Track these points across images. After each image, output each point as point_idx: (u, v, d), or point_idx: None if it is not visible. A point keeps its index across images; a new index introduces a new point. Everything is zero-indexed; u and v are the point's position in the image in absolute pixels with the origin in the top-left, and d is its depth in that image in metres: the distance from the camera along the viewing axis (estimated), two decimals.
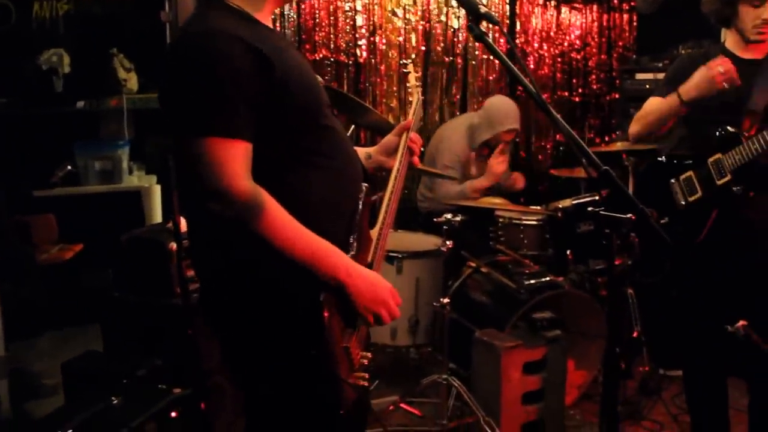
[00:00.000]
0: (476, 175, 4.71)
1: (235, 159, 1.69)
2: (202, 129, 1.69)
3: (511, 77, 5.73)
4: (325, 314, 1.74)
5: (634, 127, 3.31)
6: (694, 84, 3.00)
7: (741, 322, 1.73)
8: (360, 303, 1.83)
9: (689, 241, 3.10)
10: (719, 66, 2.92)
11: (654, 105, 3.22)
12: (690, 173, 3.15)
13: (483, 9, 1.81)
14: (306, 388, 1.86)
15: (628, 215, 1.59)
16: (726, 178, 3.01)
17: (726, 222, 3.05)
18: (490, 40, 1.78)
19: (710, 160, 3.06)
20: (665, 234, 1.61)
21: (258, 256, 1.75)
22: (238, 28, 1.76)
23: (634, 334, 4.26)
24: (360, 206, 1.97)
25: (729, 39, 3.15)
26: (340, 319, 1.83)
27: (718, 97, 2.97)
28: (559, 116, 1.71)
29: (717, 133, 3.02)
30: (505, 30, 5.65)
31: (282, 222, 1.72)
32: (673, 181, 3.21)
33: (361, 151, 2.35)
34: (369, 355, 1.98)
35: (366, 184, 2.03)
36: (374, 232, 2.07)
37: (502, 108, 4.64)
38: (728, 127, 3.00)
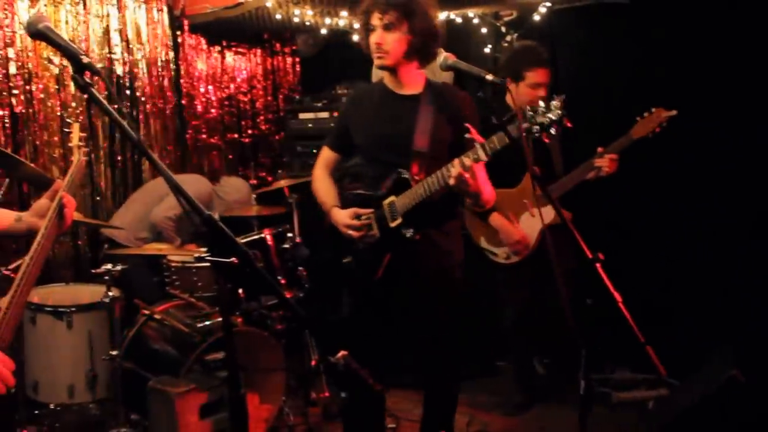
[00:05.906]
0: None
1: None
2: None
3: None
4: None
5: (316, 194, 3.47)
6: (335, 215, 3.26)
7: (341, 353, 1.89)
8: None
9: (367, 279, 3.22)
10: (345, 224, 3.19)
11: (321, 191, 3.42)
12: (369, 213, 3.21)
13: (85, 59, 1.83)
14: None
15: (231, 259, 1.71)
16: (398, 221, 3.10)
17: (398, 263, 3.17)
18: (95, 91, 1.82)
19: (385, 202, 3.15)
20: (269, 278, 1.74)
21: None
22: None
23: (312, 363, 4.47)
24: None
25: (386, 76, 3.25)
26: None
27: (386, 137, 3.16)
28: (159, 161, 1.79)
29: (391, 177, 3.13)
30: (171, 75, 5.69)
31: None
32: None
33: (9, 215, 2.28)
34: None
35: None
36: (5, 300, 2.00)
37: (243, 190, 5.18)
38: (401, 171, 3.10)
